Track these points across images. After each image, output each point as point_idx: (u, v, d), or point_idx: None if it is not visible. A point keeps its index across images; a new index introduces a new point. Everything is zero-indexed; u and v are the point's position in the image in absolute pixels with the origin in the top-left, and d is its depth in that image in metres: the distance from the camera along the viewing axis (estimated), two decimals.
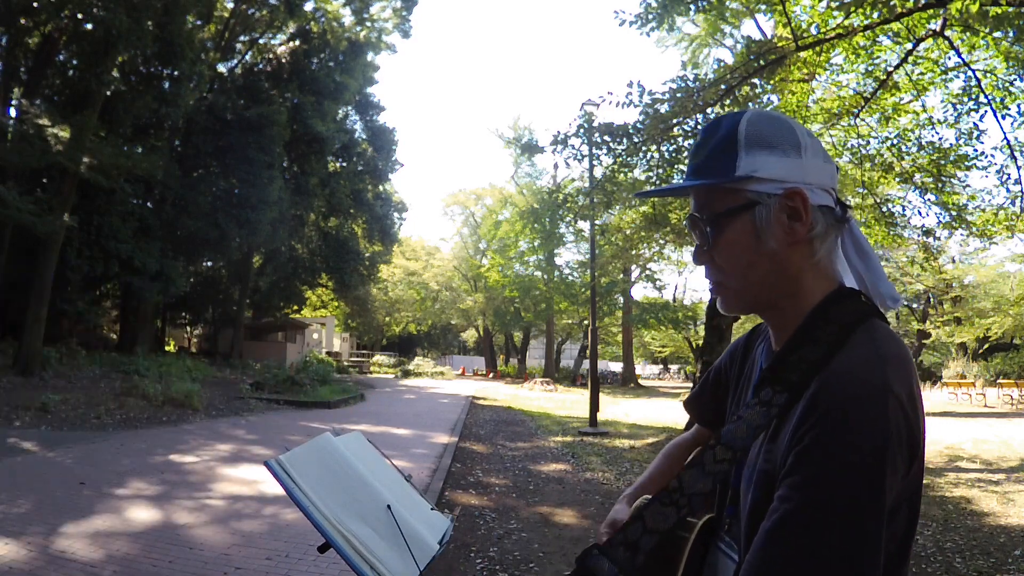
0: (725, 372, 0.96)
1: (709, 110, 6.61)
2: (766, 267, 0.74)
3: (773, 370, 0.71)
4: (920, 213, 8.08)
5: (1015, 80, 6.31)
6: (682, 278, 41.14)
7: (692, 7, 6.59)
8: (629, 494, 1.01)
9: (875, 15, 5.42)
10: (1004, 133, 6.59)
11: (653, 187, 8.08)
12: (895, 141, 7.18)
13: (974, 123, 6.78)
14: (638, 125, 6.75)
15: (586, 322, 28.17)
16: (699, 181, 0.76)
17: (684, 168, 8.01)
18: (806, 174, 0.73)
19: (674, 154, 7.14)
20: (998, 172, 7.07)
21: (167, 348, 23.12)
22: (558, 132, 7.14)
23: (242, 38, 20.53)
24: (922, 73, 6.51)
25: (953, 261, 30.35)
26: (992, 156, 6.97)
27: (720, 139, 0.76)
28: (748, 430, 0.69)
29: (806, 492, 0.61)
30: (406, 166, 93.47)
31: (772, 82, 6.58)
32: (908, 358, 0.68)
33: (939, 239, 9.09)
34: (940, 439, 10.05)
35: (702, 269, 0.81)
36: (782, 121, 0.75)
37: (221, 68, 19.82)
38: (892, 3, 5.24)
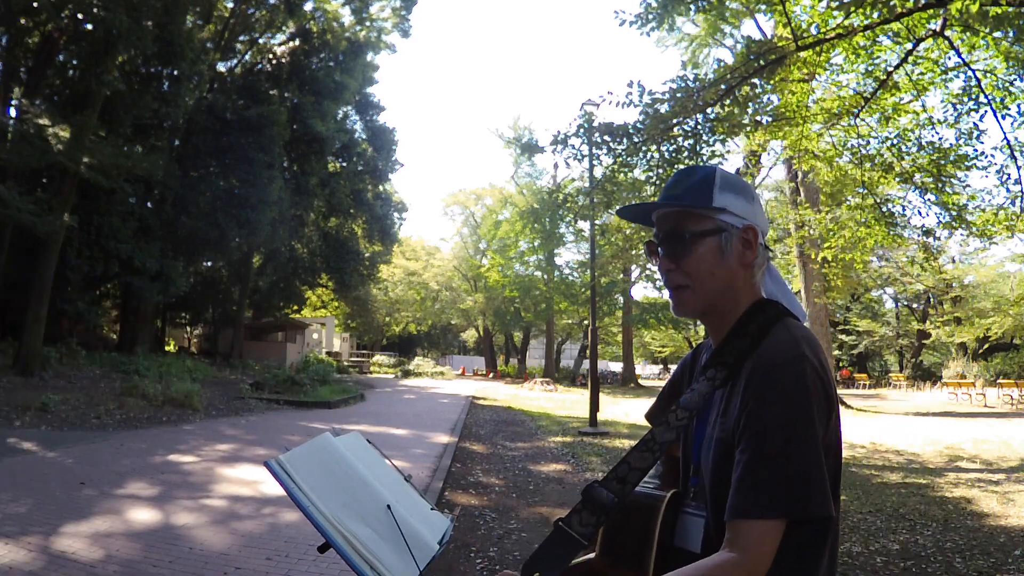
0: (678, 383, 1.18)
1: (709, 110, 6.62)
2: (722, 280, 0.97)
3: (715, 357, 0.95)
4: (920, 213, 8.08)
5: (1015, 80, 6.31)
6: None
7: (692, 7, 6.59)
8: None
9: (875, 15, 5.42)
10: (1004, 133, 6.59)
11: (656, 182, 8.11)
12: (895, 141, 7.18)
13: (974, 123, 6.78)
14: (638, 125, 6.75)
15: (586, 322, 28.17)
16: (682, 203, 0.99)
17: (684, 169, 8.09)
18: (756, 218, 0.99)
19: (674, 154, 7.13)
20: (998, 172, 7.07)
21: (167, 348, 23.12)
22: (558, 132, 7.14)
23: (242, 38, 20.52)
24: (922, 73, 6.50)
25: (953, 261, 30.37)
26: (992, 156, 6.97)
27: (699, 179, 0.99)
28: (699, 397, 0.92)
29: (758, 439, 0.84)
30: (406, 166, 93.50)
31: (772, 82, 6.58)
32: (816, 340, 0.92)
33: (939, 239, 9.10)
34: (940, 439, 10.04)
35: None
36: (741, 179, 1.03)
37: (221, 68, 19.81)
38: (892, 3, 5.24)
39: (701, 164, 7.61)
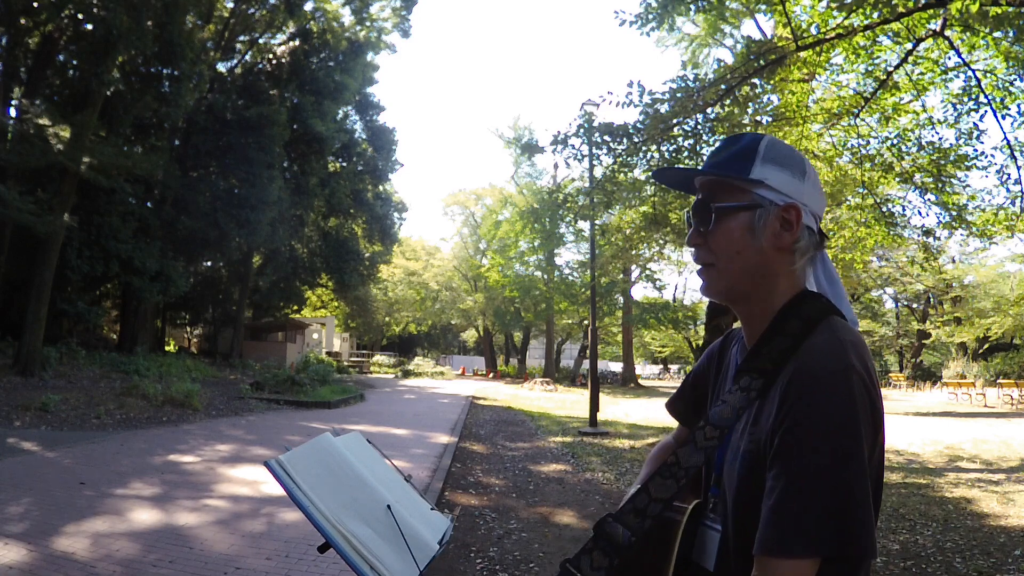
0: (703, 374, 1.06)
1: (709, 110, 6.61)
2: (751, 260, 0.85)
3: (750, 360, 0.84)
4: (920, 213, 8.08)
5: (1015, 80, 6.30)
6: (682, 278, 41.19)
7: (692, 7, 6.59)
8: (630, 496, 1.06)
9: (875, 15, 5.42)
10: (1004, 133, 6.59)
11: (654, 185, 8.12)
12: (895, 141, 7.18)
13: (974, 123, 6.78)
14: (638, 125, 6.75)
15: (586, 322, 28.17)
16: (717, 171, 0.88)
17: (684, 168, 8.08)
18: (804, 196, 0.86)
19: (674, 154, 7.13)
20: (998, 172, 7.07)
21: (167, 348, 23.09)
22: (558, 132, 7.14)
23: (242, 38, 20.51)
24: (922, 73, 6.50)
25: (953, 261, 30.35)
26: (992, 156, 6.97)
27: (741, 148, 0.88)
28: (732, 411, 0.81)
29: (797, 464, 0.72)
30: (406, 166, 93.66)
31: (772, 82, 6.57)
32: (864, 344, 0.80)
33: (939, 239, 9.09)
34: (940, 439, 10.04)
35: (693, 260, 0.93)
36: (795, 151, 0.89)
37: (221, 68, 19.81)
38: (892, 3, 5.24)
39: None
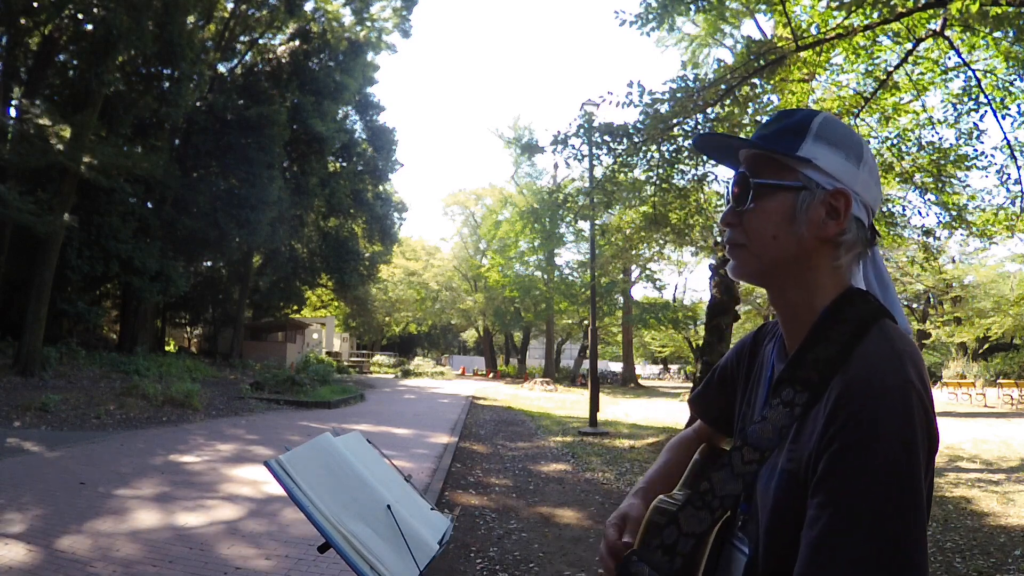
0: (732, 371, 0.97)
1: (709, 110, 6.61)
2: (788, 247, 0.76)
3: (792, 369, 0.73)
4: (920, 213, 8.08)
5: (1015, 80, 6.30)
6: (682, 278, 41.18)
7: (692, 7, 6.58)
8: (641, 488, 0.99)
9: (875, 15, 5.42)
10: (1004, 133, 6.59)
11: (656, 182, 8.11)
12: (895, 141, 7.18)
13: (974, 123, 6.78)
14: (638, 125, 6.75)
15: (586, 322, 28.16)
16: (762, 145, 0.79)
17: (684, 168, 7.98)
18: (856, 183, 0.76)
19: (674, 154, 7.14)
20: (998, 172, 7.07)
21: (167, 348, 23.09)
22: (558, 132, 7.14)
23: (242, 38, 20.51)
24: (922, 73, 6.50)
25: (953, 261, 30.32)
26: (992, 156, 6.97)
27: (793, 122, 0.79)
28: (774, 431, 0.71)
29: (846, 496, 0.62)
30: (406, 166, 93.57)
31: (772, 82, 6.57)
32: (920, 355, 0.70)
33: (939, 239, 9.08)
34: (940, 439, 10.04)
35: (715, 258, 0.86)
36: (854, 133, 0.79)
37: (221, 68, 19.80)
38: (892, 3, 5.24)
39: (703, 165, 7.62)
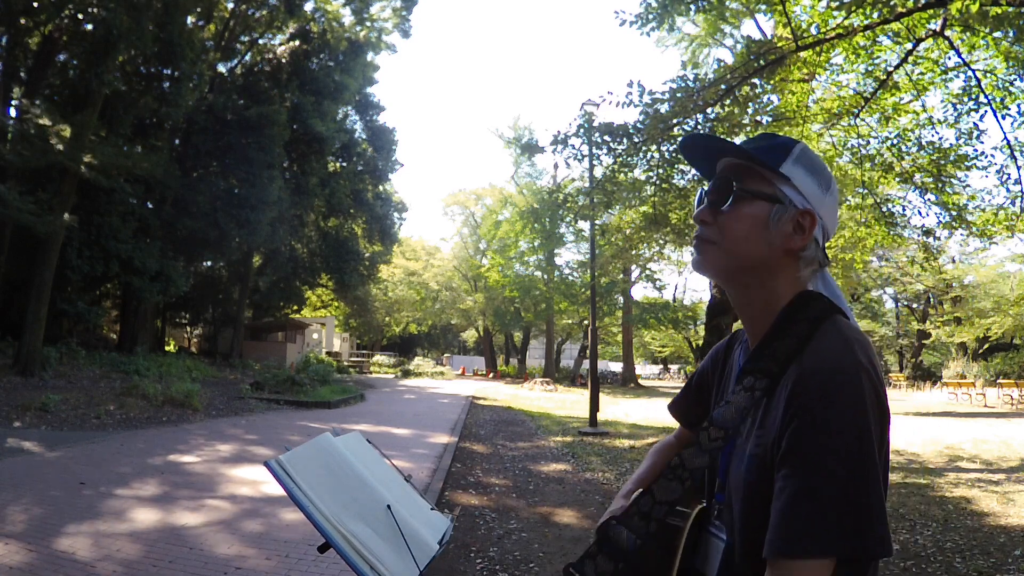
0: (708, 376, 1.05)
1: (709, 110, 6.61)
2: (758, 251, 0.84)
3: (753, 360, 0.82)
4: (920, 213, 8.08)
5: (1015, 80, 6.30)
6: (682, 278, 41.13)
7: (692, 7, 6.59)
8: (628, 491, 1.06)
9: (875, 15, 5.42)
10: (1004, 133, 6.59)
11: (656, 182, 8.11)
12: (895, 141, 7.18)
13: (974, 123, 6.78)
14: (638, 125, 6.75)
15: (586, 322, 28.16)
16: (749, 153, 0.86)
17: (684, 168, 7.97)
18: (822, 208, 0.86)
19: (674, 154, 7.13)
20: (998, 172, 7.07)
21: (167, 348, 23.09)
22: (558, 132, 7.14)
23: (242, 38, 20.52)
24: (922, 73, 6.50)
25: (953, 261, 30.34)
26: (992, 156, 6.97)
27: (777, 143, 0.87)
28: (736, 412, 0.78)
29: (808, 466, 0.70)
30: (406, 166, 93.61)
31: (772, 82, 6.57)
32: (869, 342, 0.78)
33: (939, 239, 9.09)
34: (940, 439, 10.04)
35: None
36: (826, 166, 0.89)
37: (221, 68, 19.81)
38: (892, 3, 5.24)
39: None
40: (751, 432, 0.80)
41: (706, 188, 0.90)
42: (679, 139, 6.93)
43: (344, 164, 25.10)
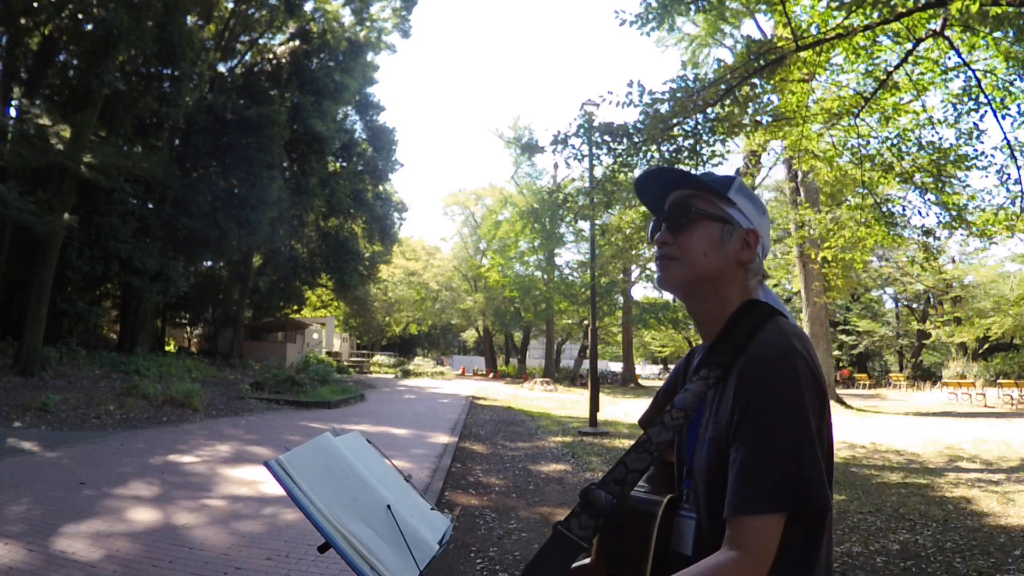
0: (672, 389, 1.16)
1: (709, 110, 6.61)
2: (715, 264, 0.99)
3: (708, 355, 0.97)
4: (920, 213, 8.08)
5: (1015, 80, 6.31)
6: None
7: (692, 7, 6.59)
8: None
9: (875, 15, 5.42)
10: (1004, 133, 6.59)
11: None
12: (895, 141, 7.18)
13: (974, 123, 6.78)
14: (638, 125, 6.75)
15: (586, 322, 28.16)
16: (700, 182, 1.02)
17: (684, 168, 8.00)
18: (761, 228, 1.03)
19: (674, 154, 7.13)
20: (998, 172, 7.07)
21: (167, 348, 23.10)
22: (558, 132, 7.14)
23: (242, 38, 20.52)
24: (922, 73, 6.50)
25: (953, 261, 30.35)
26: (992, 156, 6.97)
27: (721, 176, 1.04)
28: (694, 396, 0.93)
29: (754, 434, 0.83)
30: (406, 166, 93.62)
31: (772, 82, 6.58)
32: (806, 336, 0.92)
33: (939, 239, 9.10)
34: (940, 439, 10.04)
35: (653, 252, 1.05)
36: (758, 196, 1.07)
37: (221, 68, 19.80)
38: (892, 3, 5.24)
39: (703, 165, 7.64)
40: (710, 420, 0.93)
41: (656, 219, 1.06)
42: (682, 139, 6.94)
43: (344, 164, 25.09)
